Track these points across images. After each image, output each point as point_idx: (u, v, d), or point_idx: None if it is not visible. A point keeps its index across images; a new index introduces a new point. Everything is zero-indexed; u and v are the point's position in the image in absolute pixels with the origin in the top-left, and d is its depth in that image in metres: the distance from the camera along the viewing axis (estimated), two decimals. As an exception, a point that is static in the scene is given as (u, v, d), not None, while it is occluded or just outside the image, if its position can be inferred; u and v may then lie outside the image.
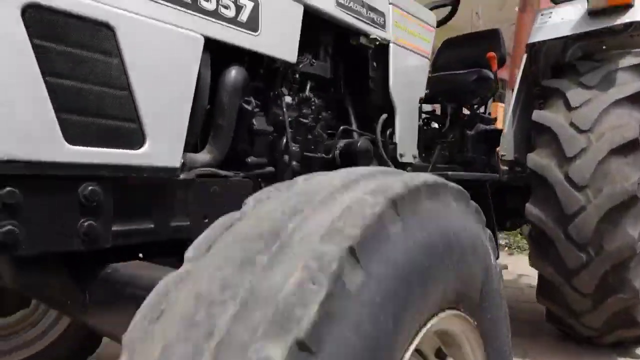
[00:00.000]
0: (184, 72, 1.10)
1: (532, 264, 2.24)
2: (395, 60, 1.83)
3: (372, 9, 1.71)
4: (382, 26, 1.76)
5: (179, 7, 1.08)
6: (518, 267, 4.27)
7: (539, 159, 2.11)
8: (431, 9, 2.50)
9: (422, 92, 2.03)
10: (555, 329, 2.45)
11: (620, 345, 2.29)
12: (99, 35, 0.94)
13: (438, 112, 3.04)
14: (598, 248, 1.97)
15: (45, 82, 0.87)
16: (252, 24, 1.26)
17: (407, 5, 1.92)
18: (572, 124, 2.06)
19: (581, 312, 2.11)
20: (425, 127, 2.57)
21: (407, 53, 1.90)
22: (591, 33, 2.21)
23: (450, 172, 2.01)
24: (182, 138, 1.10)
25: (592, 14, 2.15)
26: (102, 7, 0.94)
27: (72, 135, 0.90)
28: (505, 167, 2.28)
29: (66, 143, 0.90)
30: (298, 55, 1.45)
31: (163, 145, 1.06)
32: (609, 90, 2.08)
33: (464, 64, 3.11)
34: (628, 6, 2.12)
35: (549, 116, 2.15)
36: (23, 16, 0.84)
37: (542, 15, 2.35)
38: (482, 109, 3.17)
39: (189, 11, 1.11)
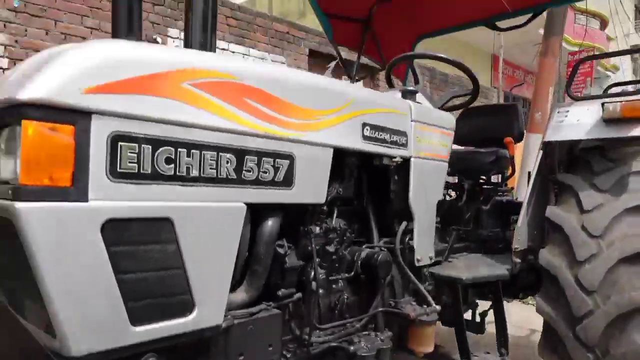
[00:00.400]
0: (228, 240, 1.25)
1: (541, 353, 2.33)
2: (415, 171, 1.95)
3: (395, 132, 1.83)
4: (405, 145, 1.89)
5: (226, 185, 1.23)
6: (529, 321, 4.30)
7: (551, 258, 2.20)
8: (451, 98, 2.62)
9: (440, 195, 2.14)
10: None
11: None
12: (160, 229, 1.10)
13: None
14: (605, 351, 2.05)
15: (117, 279, 1.03)
16: (287, 181, 1.40)
17: (428, 117, 2.03)
18: (583, 228, 2.15)
19: (588, 406, 2.19)
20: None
21: (427, 163, 2.02)
22: (605, 140, 2.29)
23: (464, 277, 2.12)
24: (225, 297, 1.25)
25: (607, 121, 2.23)
26: (164, 204, 1.10)
27: (136, 318, 1.06)
28: (518, 260, 2.37)
29: (131, 326, 1.05)
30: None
31: (209, 308, 1.21)
32: (622, 196, 2.15)
33: (481, 137, 3.23)
34: None
35: (562, 215, 2.24)
36: (102, 231, 1.00)
37: (558, 112, 2.44)
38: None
39: (234, 185, 1.25)
